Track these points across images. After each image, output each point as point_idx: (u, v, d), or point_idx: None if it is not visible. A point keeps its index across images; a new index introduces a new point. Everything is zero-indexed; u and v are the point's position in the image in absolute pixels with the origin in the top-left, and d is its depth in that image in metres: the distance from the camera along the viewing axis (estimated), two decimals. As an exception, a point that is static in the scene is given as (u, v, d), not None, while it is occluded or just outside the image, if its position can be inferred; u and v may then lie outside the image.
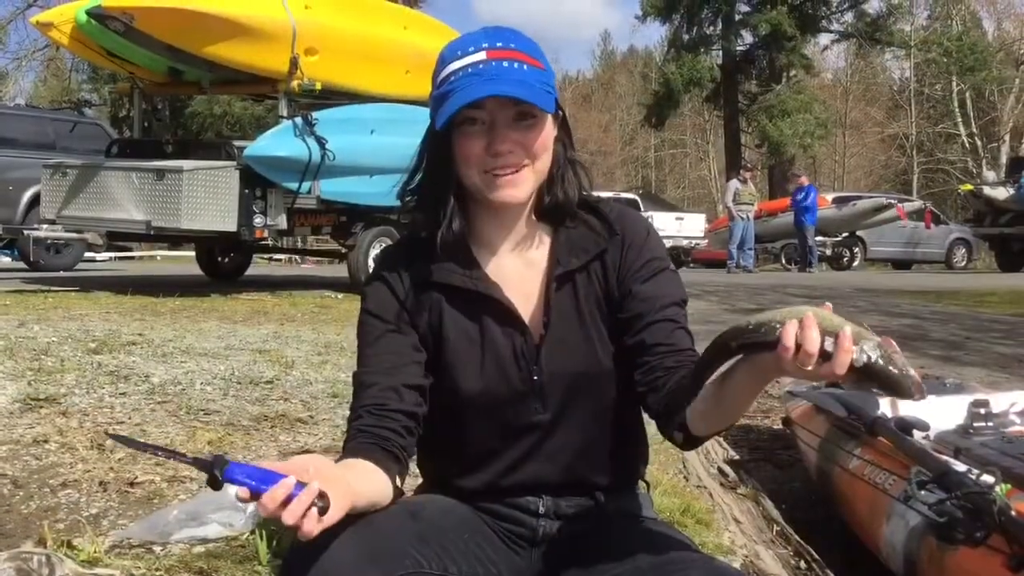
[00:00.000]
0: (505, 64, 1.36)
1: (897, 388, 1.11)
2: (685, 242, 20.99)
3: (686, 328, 1.44)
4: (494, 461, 1.46)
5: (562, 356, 1.44)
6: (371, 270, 1.52)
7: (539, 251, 1.49)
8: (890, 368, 1.10)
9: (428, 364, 1.45)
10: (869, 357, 1.10)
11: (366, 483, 1.26)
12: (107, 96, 25.89)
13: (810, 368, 1.09)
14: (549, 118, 1.41)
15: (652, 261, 1.47)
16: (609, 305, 1.46)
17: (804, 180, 18.27)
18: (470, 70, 1.35)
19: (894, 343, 1.12)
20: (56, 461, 2.55)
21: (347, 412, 1.43)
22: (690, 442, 1.37)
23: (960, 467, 2.05)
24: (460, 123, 1.37)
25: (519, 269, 1.48)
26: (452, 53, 1.39)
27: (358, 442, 1.35)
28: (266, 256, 16.44)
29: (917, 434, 2.42)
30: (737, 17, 30.55)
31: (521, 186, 1.40)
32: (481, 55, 1.37)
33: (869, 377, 1.11)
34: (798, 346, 1.09)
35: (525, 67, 1.37)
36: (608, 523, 1.47)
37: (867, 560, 2.42)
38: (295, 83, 7.62)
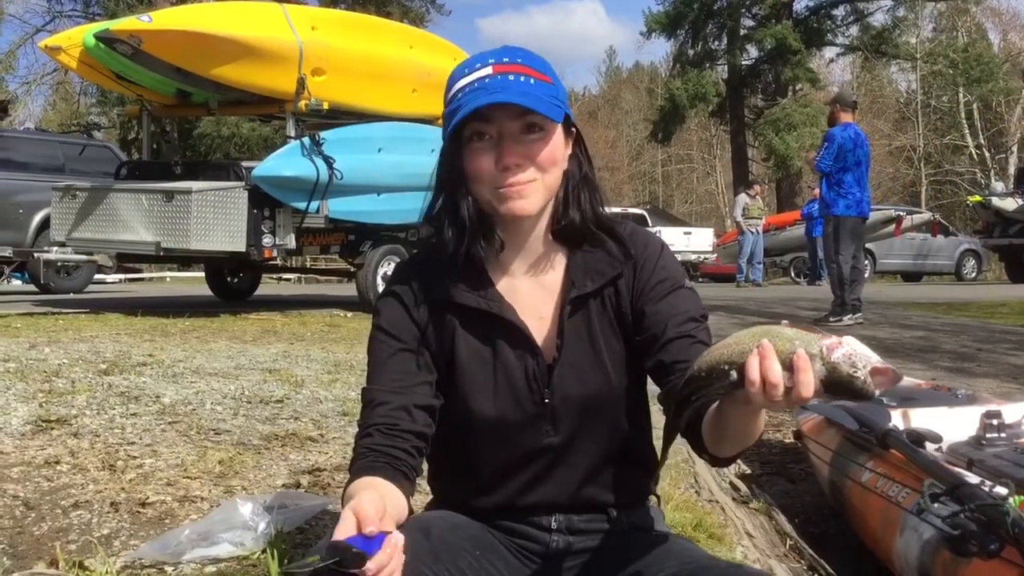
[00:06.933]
0: (511, 77, 1.36)
1: (863, 393, 1.05)
2: (694, 256, 21.00)
3: (705, 342, 1.38)
4: (506, 483, 1.46)
5: (574, 380, 1.42)
6: (385, 285, 1.52)
7: (554, 273, 1.47)
8: (853, 374, 1.04)
9: (439, 384, 1.44)
10: (832, 369, 1.04)
11: (399, 507, 1.29)
12: (116, 119, 25.98)
13: (779, 398, 1.07)
14: (559, 131, 1.40)
15: (665, 280, 1.44)
16: (623, 328, 1.45)
17: (818, 192, 18.24)
18: (476, 84, 1.35)
19: (846, 342, 1.07)
20: (68, 482, 2.55)
21: (356, 430, 1.43)
22: (718, 462, 1.36)
23: (973, 479, 2.03)
24: (469, 139, 1.37)
25: (533, 291, 1.47)
26: (460, 72, 1.40)
27: (369, 461, 1.35)
28: (275, 276, 16.47)
29: (929, 446, 2.41)
30: (742, 32, 30.67)
31: (530, 197, 1.39)
32: (487, 70, 1.37)
33: (835, 390, 1.06)
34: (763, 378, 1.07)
35: (532, 80, 1.37)
36: (623, 537, 1.47)
37: (880, 573, 2.40)
38: (302, 103, 7.67)
